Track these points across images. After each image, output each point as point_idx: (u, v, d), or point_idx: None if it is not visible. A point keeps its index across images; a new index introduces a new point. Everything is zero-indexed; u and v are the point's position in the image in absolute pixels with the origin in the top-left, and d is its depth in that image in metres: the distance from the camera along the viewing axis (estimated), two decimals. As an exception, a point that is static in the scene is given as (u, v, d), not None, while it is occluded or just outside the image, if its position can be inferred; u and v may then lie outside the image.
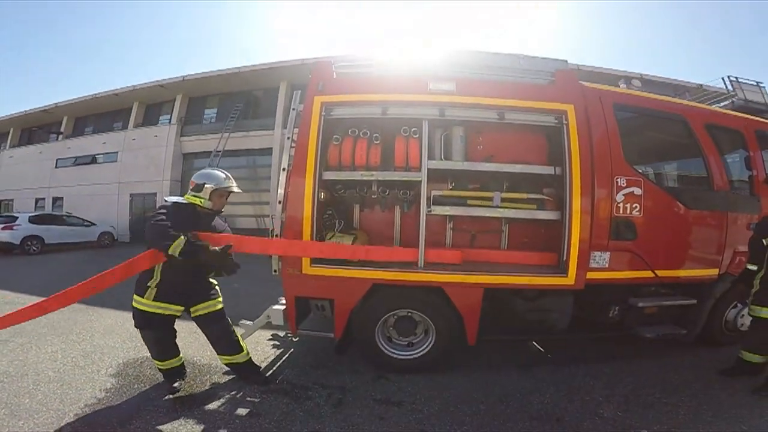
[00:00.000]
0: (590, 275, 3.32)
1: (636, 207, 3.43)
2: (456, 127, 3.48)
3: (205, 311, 3.03)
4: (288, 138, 3.49)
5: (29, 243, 13.04)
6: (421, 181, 3.28)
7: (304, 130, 3.30)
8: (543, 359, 3.80)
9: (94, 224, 15.72)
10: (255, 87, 18.18)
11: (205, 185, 2.99)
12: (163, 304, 2.87)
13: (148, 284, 2.84)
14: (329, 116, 3.33)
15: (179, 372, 3.11)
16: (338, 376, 3.33)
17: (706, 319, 3.73)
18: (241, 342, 3.17)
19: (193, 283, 2.97)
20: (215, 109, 19.35)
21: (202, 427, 2.53)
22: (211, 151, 17.09)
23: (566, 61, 3.60)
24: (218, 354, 3.16)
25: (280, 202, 3.38)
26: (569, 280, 3.24)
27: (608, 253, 3.39)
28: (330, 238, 3.44)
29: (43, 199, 21.23)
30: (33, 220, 13.63)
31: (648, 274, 3.51)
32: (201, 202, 2.99)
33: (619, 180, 3.39)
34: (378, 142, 3.43)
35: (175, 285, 2.87)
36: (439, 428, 2.59)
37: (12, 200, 22.45)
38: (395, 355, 3.42)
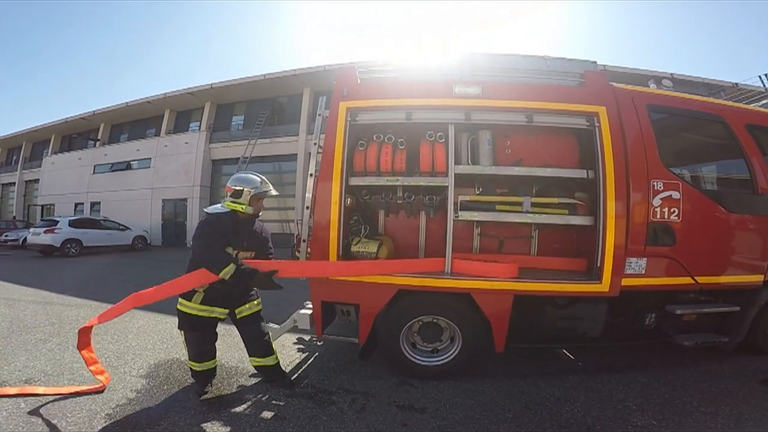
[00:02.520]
0: (626, 282, 3.20)
1: (674, 211, 3.29)
2: (483, 131, 3.43)
3: (249, 312, 3.13)
4: (315, 144, 3.52)
5: (69, 246, 13.72)
6: (447, 186, 3.25)
7: (330, 136, 3.33)
8: (573, 368, 3.68)
9: (128, 228, 16.39)
10: (279, 93, 18.58)
11: (245, 190, 2.99)
12: (209, 308, 2.96)
13: (197, 289, 2.91)
14: (354, 122, 3.35)
15: (212, 375, 3.15)
16: (362, 381, 3.32)
17: (748, 326, 3.55)
18: (272, 345, 3.23)
19: (237, 288, 3.02)
20: (242, 116, 19.89)
21: (228, 429, 2.56)
22: (238, 158, 17.55)
23: (596, 62, 3.51)
24: (250, 356, 3.20)
25: (308, 208, 3.42)
26: (603, 286, 3.13)
27: (645, 259, 3.26)
28: (356, 244, 3.44)
29: (82, 203, 22.32)
30: (73, 224, 14.35)
31: (687, 280, 3.36)
32: (243, 208, 2.99)
33: (655, 183, 3.26)
34: (403, 147, 3.42)
35: (221, 290, 2.94)
36: (464, 436, 2.55)
37: (53, 205, 23.70)
38: (419, 362, 3.38)
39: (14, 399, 2.83)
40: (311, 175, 3.48)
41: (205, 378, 3.09)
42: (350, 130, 3.33)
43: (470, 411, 2.83)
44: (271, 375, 3.22)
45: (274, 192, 3.19)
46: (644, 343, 3.71)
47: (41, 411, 2.71)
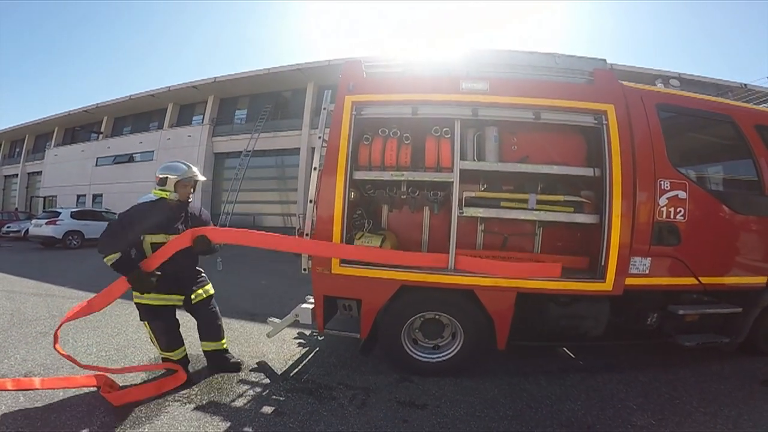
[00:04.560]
0: (629, 281, 3.19)
1: (680, 211, 3.27)
2: (489, 127, 3.40)
3: (204, 296, 3.28)
4: (319, 137, 3.50)
5: (71, 237, 13.75)
6: (452, 182, 3.23)
7: (335, 130, 3.30)
8: (574, 366, 3.67)
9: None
10: (283, 88, 18.56)
11: (168, 177, 3.12)
12: (165, 296, 3.08)
13: (152, 279, 3.00)
14: (360, 116, 3.32)
15: (186, 361, 3.25)
16: (362, 376, 3.32)
17: (749, 328, 3.54)
18: (224, 330, 3.38)
19: (186, 273, 3.22)
20: (245, 110, 19.88)
21: (228, 424, 2.56)
22: (241, 151, 17.54)
23: (605, 60, 3.48)
24: (203, 340, 3.31)
25: (311, 201, 3.40)
26: (607, 285, 3.12)
27: (649, 258, 3.25)
28: (359, 238, 3.42)
29: (84, 195, 22.40)
30: (75, 215, 14.36)
31: (691, 281, 3.35)
32: (168, 195, 3.12)
33: (662, 183, 3.24)
34: (408, 142, 3.40)
35: (171, 276, 3.07)
36: (464, 433, 2.54)
37: (56, 196, 23.75)
38: (420, 358, 3.37)
39: (13, 393, 2.81)
40: (315, 168, 3.46)
41: (182, 366, 3.16)
42: (355, 124, 3.31)
43: (471, 408, 2.82)
44: (222, 359, 3.34)
45: (200, 177, 3.32)
46: (646, 342, 3.70)
47: (40, 405, 2.70)
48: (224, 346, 3.36)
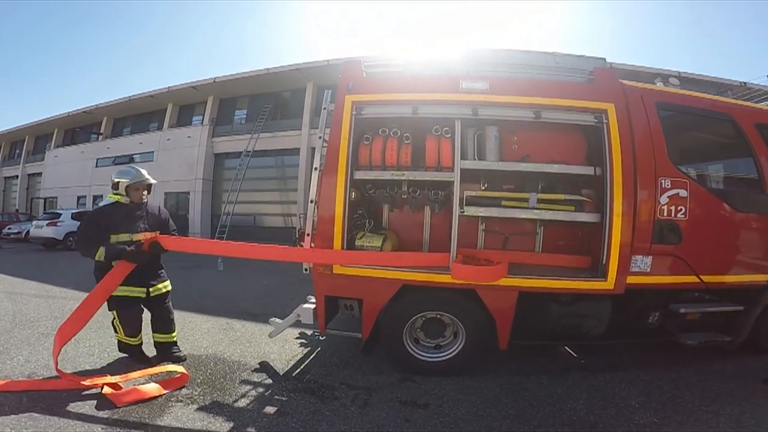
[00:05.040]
0: (631, 280, 3.19)
1: (681, 209, 3.27)
2: (489, 126, 3.41)
3: (163, 290, 3.54)
4: (320, 137, 3.51)
5: (71, 239, 13.72)
6: (453, 182, 3.23)
7: (335, 130, 3.31)
8: (576, 365, 3.68)
9: (131, 221, 16.37)
10: (282, 88, 18.52)
11: (120, 182, 3.36)
12: (129, 288, 3.30)
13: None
14: (360, 115, 3.32)
15: (140, 348, 3.55)
16: (364, 376, 3.32)
17: (751, 326, 3.53)
18: (175, 323, 3.66)
19: (148, 268, 3.43)
20: (245, 110, 19.84)
21: (231, 424, 2.56)
22: (241, 152, 17.50)
23: (605, 59, 3.49)
24: (155, 332, 3.57)
25: (312, 201, 3.40)
26: (608, 284, 3.12)
27: (650, 257, 3.25)
28: (360, 238, 3.43)
29: (85, 196, 22.35)
30: (75, 216, 14.37)
31: (693, 279, 3.35)
32: (120, 198, 3.36)
33: (663, 181, 3.24)
34: (408, 141, 3.40)
35: (136, 271, 3.29)
36: (467, 432, 2.54)
37: (56, 197, 23.75)
38: (422, 358, 3.38)
39: (17, 393, 2.82)
40: (316, 168, 3.46)
41: (138, 350, 3.51)
42: (355, 124, 3.31)
43: (473, 407, 2.83)
44: (169, 351, 3.57)
45: (151, 180, 3.51)
46: (647, 341, 3.71)
47: (45, 405, 2.69)
48: (174, 339, 3.63)
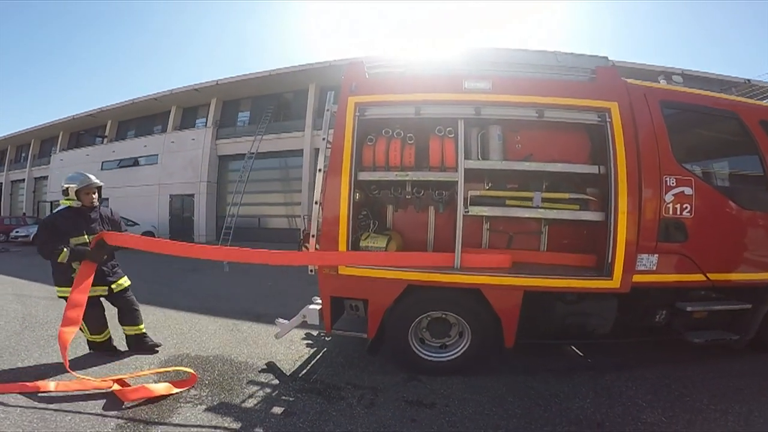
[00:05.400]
0: (636, 278, 3.18)
1: (686, 207, 3.26)
2: (493, 126, 3.41)
3: (124, 285, 3.76)
4: (323, 139, 3.52)
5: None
6: (456, 182, 3.23)
7: (339, 131, 3.32)
8: (582, 364, 3.67)
9: (137, 224, 16.55)
10: (285, 89, 18.58)
11: (70, 187, 3.52)
12: (91, 288, 3.44)
13: (72, 275, 3.42)
14: (363, 117, 3.33)
15: (110, 341, 3.71)
16: (370, 376, 3.34)
17: (759, 324, 3.51)
18: (141, 316, 3.84)
19: (104, 267, 3.61)
20: (248, 112, 19.92)
21: (239, 425, 2.58)
22: (244, 154, 17.58)
23: (607, 57, 3.48)
24: (123, 325, 3.76)
25: (316, 203, 3.42)
26: (614, 283, 3.12)
27: (656, 255, 3.24)
28: (365, 239, 3.44)
29: (91, 199, 22.47)
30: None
31: (699, 277, 3.33)
32: (72, 202, 3.53)
33: (668, 179, 3.23)
34: (412, 142, 3.40)
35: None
36: (473, 431, 2.55)
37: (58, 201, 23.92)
38: (428, 357, 3.39)
39: (28, 395, 2.86)
40: (320, 170, 3.47)
41: (106, 346, 3.67)
42: (359, 125, 3.32)
43: (479, 407, 2.83)
44: (141, 342, 3.78)
45: (98, 182, 3.66)
46: (654, 340, 3.69)
47: (55, 407, 2.73)
48: (143, 330, 3.82)
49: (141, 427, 2.52)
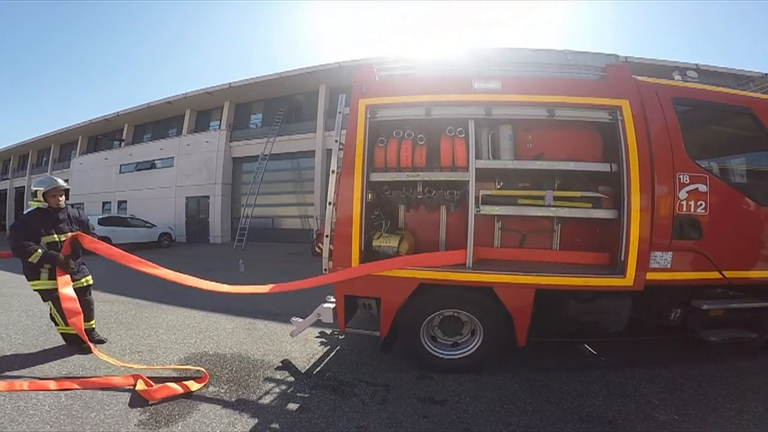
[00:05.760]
0: (650, 276, 3.17)
1: (701, 204, 3.23)
2: (503, 125, 3.42)
3: (88, 283, 4.06)
4: (336, 141, 3.58)
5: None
6: (468, 181, 3.26)
7: (350, 133, 3.38)
8: (595, 362, 3.66)
9: (154, 226, 16.89)
10: (296, 91, 18.71)
11: (38, 190, 3.74)
12: (54, 281, 3.69)
13: (40, 270, 3.69)
14: (374, 118, 3.38)
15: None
16: (383, 373, 3.39)
17: None
18: (94, 312, 4.18)
19: (73, 264, 3.87)
20: (260, 114, 20.12)
21: (255, 421, 2.66)
22: (258, 155, 17.80)
23: (617, 55, 3.47)
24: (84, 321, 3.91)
25: (330, 204, 3.49)
26: (627, 281, 3.11)
27: (670, 253, 3.22)
28: (377, 239, 3.49)
29: (110, 202, 23.05)
30: (102, 222, 14.88)
31: (715, 275, 3.29)
32: (39, 204, 3.76)
33: (681, 176, 3.21)
34: (423, 142, 3.44)
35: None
36: (484, 428, 2.58)
37: (83, 204, 24.56)
38: (440, 355, 3.42)
39: (55, 392, 2.98)
40: (333, 171, 3.54)
41: (77, 340, 3.74)
42: (370, 127, 3.37)
43: (491, 404, 2.86)
44: (91, 335, 3.98)
45: (64, 185, 3.89)
46: (669, 338, 3.66)
47: (81, 404, 2.83)
48: (93, 326, 4.10)
49: (162, 423, 2.61)
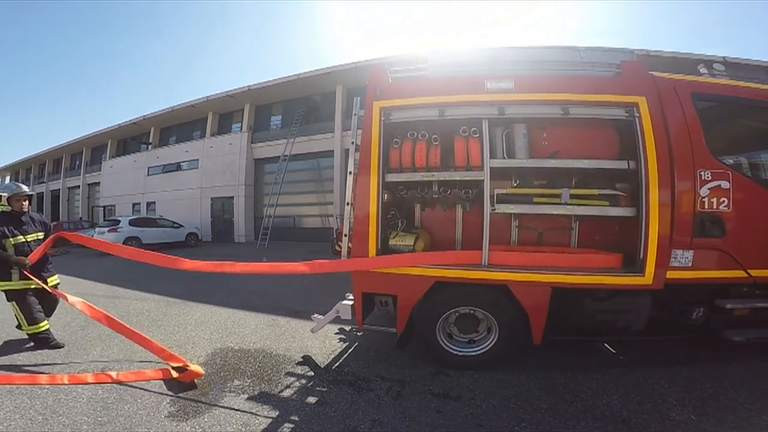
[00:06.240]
0: (671, 274, 3.13)
1: (724, 201, 3.16)
2: (517, 124, 3.43)
3: (55, 282, 4.31)
4: (352, 142, 3.67)
5: (130, 243, 14.79)
6: (483, 180, 3.29)
7: (366, 135, 3.46)
8: (614, 361, 3.62)
9: (182, 226, 17.49)
10: (314, 92, 18.91)
11: (2, 196, 4.11)
12: (26, 281, 3.95)
13: (11, 271, 3.92)
14: (388, 120, 3.46)
15: (47, 333, 4.11)
16: (399, 369, 3.46)
17: None
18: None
19: (40, 265, 4.09)
20: (280, 116, 20.45)
21: (277, 413, 2.78)
22: (279, 156, 18.13)
23: (633, 51, 3.41)
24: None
25: (348, 204, 3.58)
26: (646, 279, 3.07)
27: (692, 251, 3.17)
28: (393, 237, 3.57)
29: (139, 203, 23.92)
30: (132, 223, 15.56)
31: (740, 273, 3.22)
32: (3, 208, 4.10)
33: (702, 173, 3.15)
34: (437, 143, 3.49)
35: (30, 267, 3.96)
36: (496, 423, 2.61)
37: (114, 206, 25.59)
38: (455, 352, 3.46)
39: (92, 386, 3.17)
40: (350, 173, 3.63)
41: (43, 339, 4.05)
42: (384, 129, 3.45)
43: (504, 401, 2.89)
44: (48, 335, 4.18)
45: (27, 191, 4.18)
46: (691, 337, 3.59)
47: (116, 396, 3.02)
48: (48, 326, 4.19)
49: (190, 414, 2.76)
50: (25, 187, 4.21)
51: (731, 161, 3.32)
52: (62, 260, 13.32)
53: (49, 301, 4.26)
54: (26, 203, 4.16)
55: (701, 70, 3.72)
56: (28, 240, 4.06)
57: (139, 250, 4.19)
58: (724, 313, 3.29)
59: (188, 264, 3.77)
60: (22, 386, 3.15)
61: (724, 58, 10.96)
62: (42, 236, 4.22)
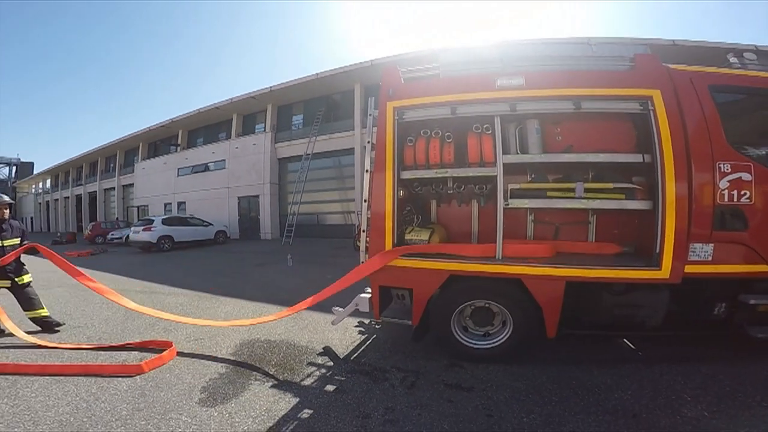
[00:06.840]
0: (690, 269, 3.08)
1: (745, 194, 3.08)
2: (530, 120, 3.46)
3: (27, 280, 4.72)
4: (369, 142, 3.79)
5: (163, 242, 15.56)
6: (496, 176, 3.33)
7: (380, 134, 3.57)
8: (631, 357, 3.60)
9: (211, 224, 18.15)
10: (332, 91, 19.20)
11: None
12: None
13: None
14: (402, 120, 3.55)
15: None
16: (414, 361, 3.57)
17: None
18: (40, 302, 4.76)
19: (11, 265, 4.52)
20: (301, 115, 20.86)
21: (297, 399, 2.95)
22: (301, 155, 18.51)
23: (646, 44, 3.35)
24: (26, 310, 4.66)
25: (365, 201, 3.72)
26: (663, 273, 3.05)
27: (711, 244, 3.10)
28: (409, 232, 3.68)
29: (170, 203, 24.92)
30: (165, 222, 16.25)
31: (763, 268, 3.13)
32: None
33: (722, 165, 3.08)
34: (450, 140, 3.56)
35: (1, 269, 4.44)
36: (506, 414, 2.67)
37: (147, 206, 26.75)
38: (470, 345, 3.52)
39: (133, 376, 3.39)
40: (367, 171, 3.75)
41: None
42: (398, 128, 3.54)
43: (516, 393, 2.95)
44: (46, 321, 4.71)
45: (8, 201, 4.63)
46: (712, 333, 3.49)
47: (152, 384, 3.23)
48: (40, 313, 4.70)
49: (218, 400, 2.96)
50: (6, 197, 4.69)
51: (754, 153, 3.23)
52: (100, 259, 14.12)
53: (26, 294, 4.67)
54: (7, 211, 4.62)
55: (731, 60, 3.61)
56: (5, 245, 4.53)
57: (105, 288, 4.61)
58: (747, 309, 3.20)
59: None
60: (71, 376, 3.40)
61: (756, 46, 10.41)
62: (18, 242, 4.68)
